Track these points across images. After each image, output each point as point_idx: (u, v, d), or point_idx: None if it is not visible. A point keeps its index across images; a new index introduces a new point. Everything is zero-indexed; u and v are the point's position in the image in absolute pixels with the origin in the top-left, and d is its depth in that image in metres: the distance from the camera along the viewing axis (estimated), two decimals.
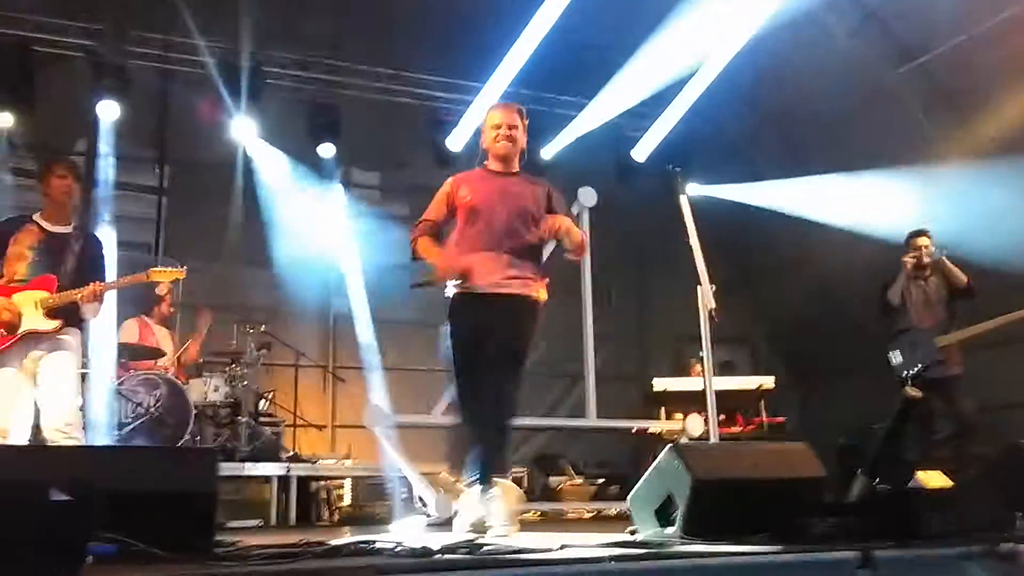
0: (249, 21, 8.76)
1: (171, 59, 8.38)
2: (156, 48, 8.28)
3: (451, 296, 4.16)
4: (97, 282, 4.66)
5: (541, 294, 4.26)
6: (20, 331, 4.56)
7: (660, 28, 7.74)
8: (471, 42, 8.09)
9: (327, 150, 8.72)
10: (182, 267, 4.96)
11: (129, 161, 8.69)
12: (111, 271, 5.24)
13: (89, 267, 4.80)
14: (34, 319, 4.60)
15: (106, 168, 7.90)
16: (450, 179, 4.40)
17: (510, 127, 4.32)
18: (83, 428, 5.03)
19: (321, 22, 8.97)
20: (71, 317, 4.71)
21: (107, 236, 6.96)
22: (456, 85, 8.75)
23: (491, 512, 3.81)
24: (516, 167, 4.39)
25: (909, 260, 6.38)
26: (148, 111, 8.78)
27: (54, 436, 4.50)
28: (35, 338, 4.61)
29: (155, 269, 4.98)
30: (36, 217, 4.83)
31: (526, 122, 4.42)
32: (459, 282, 4.09)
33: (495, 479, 3.93)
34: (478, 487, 3.91)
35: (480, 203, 4.20)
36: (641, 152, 9.42)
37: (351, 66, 8.76)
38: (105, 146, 7.96)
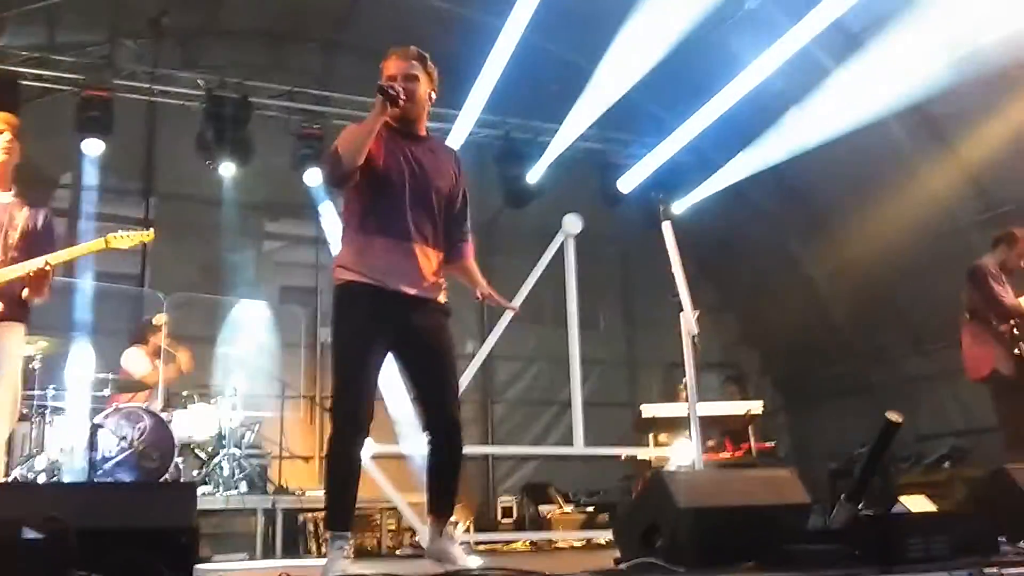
0: (236, 54, 8.89)
1: (157, 92, 8.41)
2: (143, 81, 8.31)
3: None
4: (48, 255, 3.87)
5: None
6: None
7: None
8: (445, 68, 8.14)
9: (313, 178, 8.73)
10: (148, 230, 4.31)
11: (115, 193, 8.71)
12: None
13: (38, 240, 4.02)
14: None
15: (91, 200, 7.88)
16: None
17: (406, 78, 3.53)
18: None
19: (307, 55, 9.08)
20: (14, 306, 3.92)
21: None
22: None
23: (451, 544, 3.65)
24: (423, 129, 3.69)
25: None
26: (134, 143, 8.80)
27: None
28: None
29: (114, 235, 4.17)
30: None
31: (433, 72, 3.64)
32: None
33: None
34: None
35: (386, 168, 3.50)
36: (626, 182, 9.44)
37: (337, 95, 8.80)
38: (91, 178, 7.96)
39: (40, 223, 4.07)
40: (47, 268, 3.84)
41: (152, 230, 4.31)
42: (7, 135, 4.05)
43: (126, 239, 4.20)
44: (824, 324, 9.58)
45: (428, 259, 3.56)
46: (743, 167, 8.64)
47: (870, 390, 9.25)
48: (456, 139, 8.44)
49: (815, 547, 3.07)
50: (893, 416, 3.54)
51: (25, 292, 3.90)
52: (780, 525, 3.35)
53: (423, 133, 3.69)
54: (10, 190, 4.09)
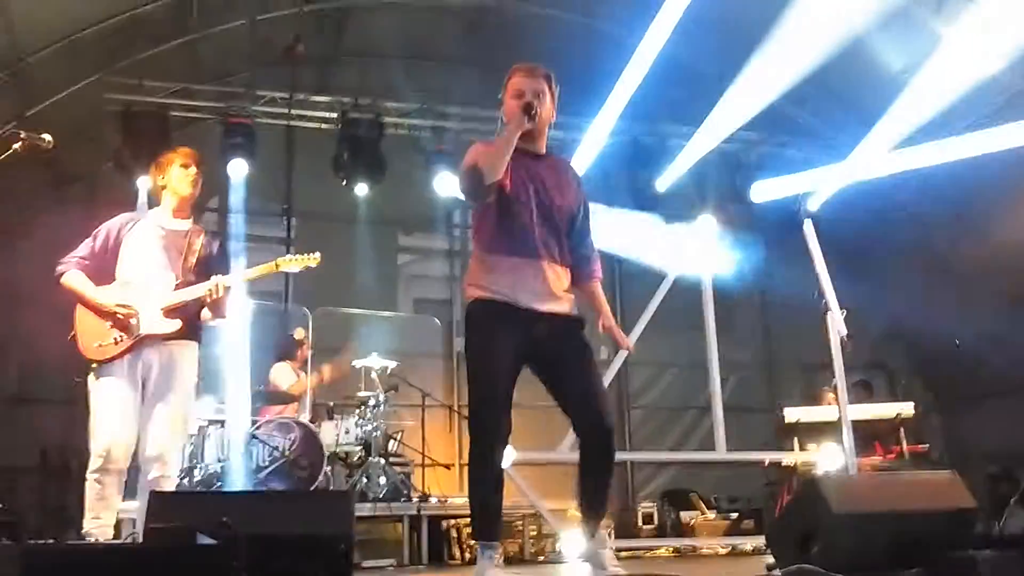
0: (366, 75, 9.18)
1: (294, 116, 8.77)
2: (281, 107, 8.68)
3: None
4: (221, 276, 4.18)
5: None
6: (143, 332, 4.08)
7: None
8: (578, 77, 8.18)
9: (444, 187, 8.90)
10: (315, 254, 4.51)
11: (258, 215, 9.10)
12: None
13: (212, 264, 4.31)
14: (152, 321, 4.11)
15: (238, 222, 8.28)
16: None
17: (535, 94, 3.56)
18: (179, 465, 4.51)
19: (434, 72, 9.30)
20: (190, 326, 4.21)
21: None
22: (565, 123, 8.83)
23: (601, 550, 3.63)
24: (543, 147, 3.72)
25: None
26: (275, 167, 9.18)
27: (147, 466, 4.06)
28: (153, 343, 4.11)
29: (283, 259, 4.48)
30: (152, 213, 4.41)
31: (556, 91, 3.66)
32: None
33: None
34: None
35: (513, 187, 3.52)
36: (762, 188, 9.24)
37: (462, 111, 8.95)
38: (236, 201, 8.37)
39: (215, 249, 4.40)
40: (225, 289, 4.16)
41: (319, 254, 4.52)
42: (194, 169, 4.35)
43: (295, 262, 4.49)
44: (975, 323, 9.09)
45: (557, 276, 3.59)
46: (885, 165, 8.33)
47: None
48: (589, 150, 8.48)
49: (988, 554, 2.92)
50: None
51: (205, 313, 4.23)
52: (944, 531, 3.20)
53: (543, 151, 3.72)
54: (189, 218, 4.42)
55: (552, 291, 3.55)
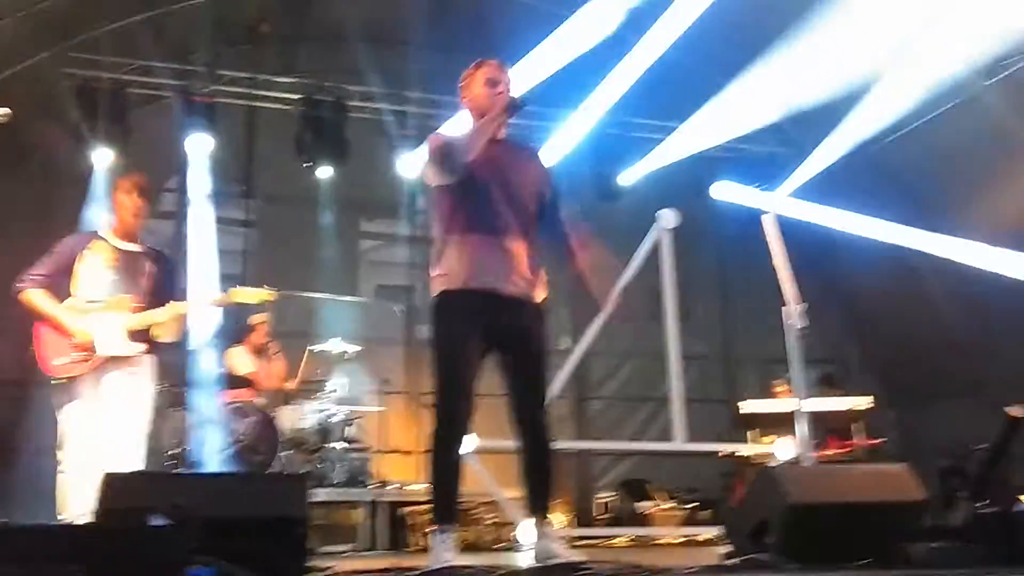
0: (330, 57, 9.07)
1: (257, 96, 8.65)
2: (243, 86, 8.56)
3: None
4: (176, 302, 4.48)
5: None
6: (101, 355, 4.29)
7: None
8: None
9: (407, 168, 8.87)
10: (268, 288, 4.79)
11: (217, 196, 8.97)
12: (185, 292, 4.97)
13: (164, 287, 4.56)
14: (116, 343, 4.33)
15: (198, 202, 8.16)
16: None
17: (508, 85, 3.72)
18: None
19: (398, 56, 9.21)
20: (151, 344, 4.48)
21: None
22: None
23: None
24: (502, 133, 3.80)
25: None
26: (235, 147, 9.06)
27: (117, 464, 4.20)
28: (114, 362, 4.34)
29: (237, 289, 4.79)
30: (103, 233, 4.57)
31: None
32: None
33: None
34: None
35: (474, 168, 3.58)
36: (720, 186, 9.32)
37: (426, 96, 8.89)
38: (194, 181, 8.24)
39: (167, 272, 4.66)
40: (182, 316, 4.51)
41: (274, 291, 4.86)
42: (137, 198, 4.54)
43: (248, 295, 4.79)
44: (933, 319, 9.23)
45: (524, 255, 3.60)
46: (836, 150, 8.41)
47: (982, 387, 8.89)
48: (562, 143, 8.49)
49: (936, 545, 2.98)
50: (1015, 411, 3.40)
51: (159, 334, 4.50)
52: (895, 522, 3.26)
53: (502, 136, 3.77)
54: (138, 241, 4.61)
55: (519, 270, 3.58)
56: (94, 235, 4.58)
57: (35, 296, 4.35)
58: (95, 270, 4.42)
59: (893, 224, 8.49)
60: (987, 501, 3.43)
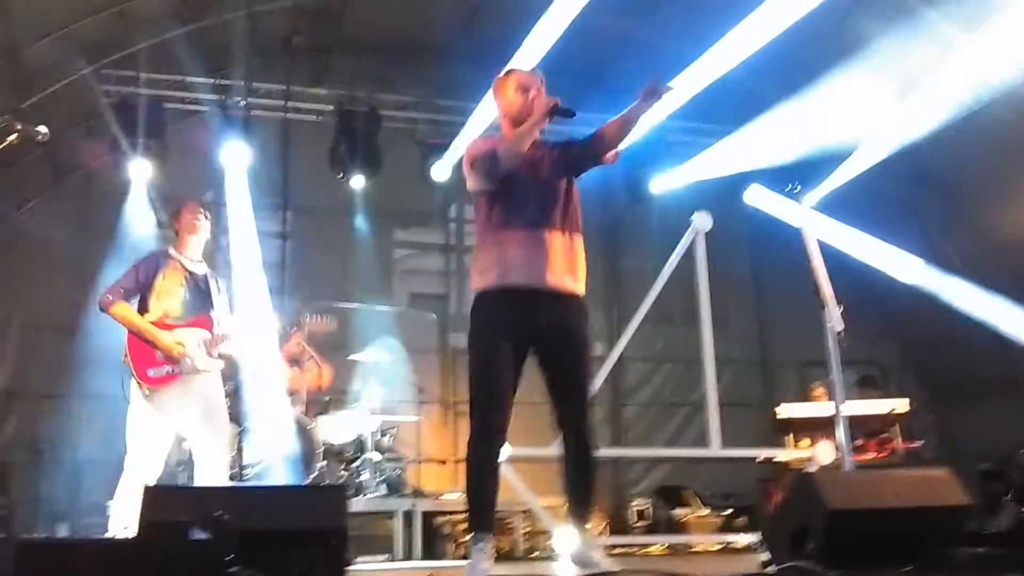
0: (362, 68, 9.14)
1: (290, 109, 8.74)
2: (277, 98, 8.65)
3: None
4: (244, 319, 5.03)
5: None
6: (187, 369, 4.66)
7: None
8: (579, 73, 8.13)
9: (440, 174, 8.94)
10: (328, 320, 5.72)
11: (253, 208, 9.06)
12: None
13: (229, 304, 5.04)
14: (199, 358, 4.72)
15: (238, 214, 8.26)
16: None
17: (540, 89, 3.83)
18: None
19: (430, 65, 9.27)
20: (221, 356, 4.89)
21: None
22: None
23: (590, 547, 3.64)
24: None
25: None
26: (270, 159, 9.15)
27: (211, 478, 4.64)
28: (199, 376, 4.71)
29: (306, 318, 5.69)
30: (172, 252, 4.91)
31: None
32: None
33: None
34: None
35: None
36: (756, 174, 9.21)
37: (460, 104, 8.93)
38: (233, 194, 8.34)
39: (226, 293, 5.09)
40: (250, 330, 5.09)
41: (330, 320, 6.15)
42: (202, 216, 4.95)
43: (316, 324, 6.03)
44: (969, 318, 9.09)
45: (562, 245, 3.64)
46: (874, 153, 8.30)
47: (1021, 387, 8.76)
48: None
49: (980, 550, 2.93)
50: None
51: (229, 349, 4.93)
52: (938, 527, 3.22)
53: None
54: (203, 261, 5.02)
55: (559, 263, 3.61)
56: (166, 254, 4.91)
57: (123, 309, 4.68)
58: (171, 288, 4.78)
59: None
60: None
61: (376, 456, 7.17)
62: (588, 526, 3.64)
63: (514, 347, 3.54)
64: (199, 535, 2.41)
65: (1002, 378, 8.95)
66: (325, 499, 3.14)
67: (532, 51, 7.10)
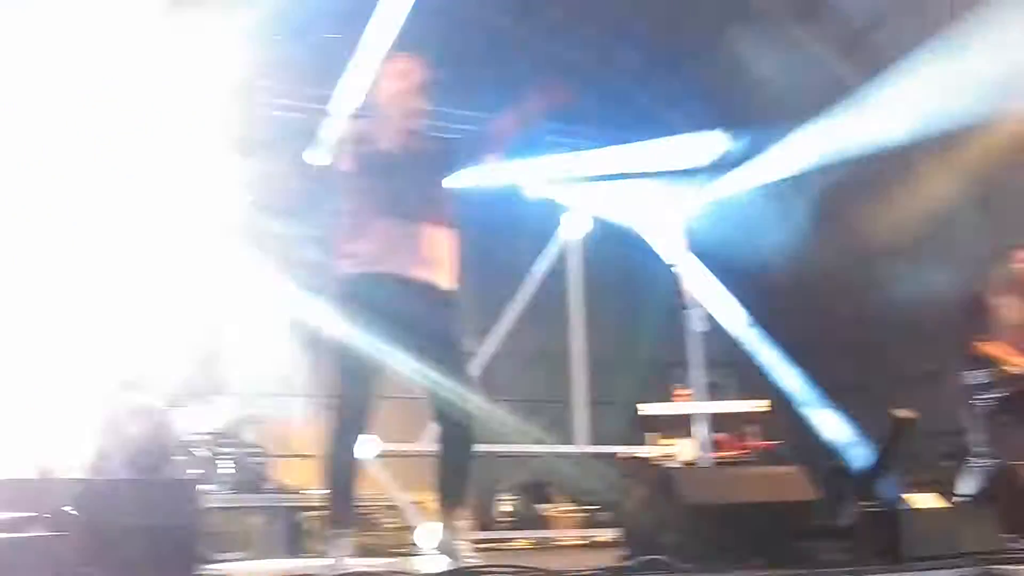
0: None
1: None
2: None
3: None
4: None
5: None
6: None
7: None
8: None
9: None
10: None
11: None
12: None
13: None
14: None
15: None
16: None
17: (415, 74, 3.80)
18: None
19: None
20: None
21: None
22: None
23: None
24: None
25: None
26: None
27: None
28: None
29: None
30: None
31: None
32: None
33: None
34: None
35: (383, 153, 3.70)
36: None
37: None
38: None
39: None
40: None
41: None
42: None
43: None
44: (824, 323, 9.54)
45: (433, 238, 3.59)
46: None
47: (869, 388, 9.24)
48: None
49: (825, 544, 3.07)
50: (902, 413, 3.54)
51: None
52: (788, 522, 3.35)
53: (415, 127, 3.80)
54: None
55: (429, 256, 3.56)
56: None
57: None
58: None
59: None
60: (873, 501, 3.55)
61: (236, 449, 6.97)
62: (455, 521, 3.62)
63: (379, 338, 3.48)
64: (41, 530, 2.28)
65: (852, 380, 9.42)
66: (178, 494, 3.02)
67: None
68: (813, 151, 7.93)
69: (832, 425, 9.27)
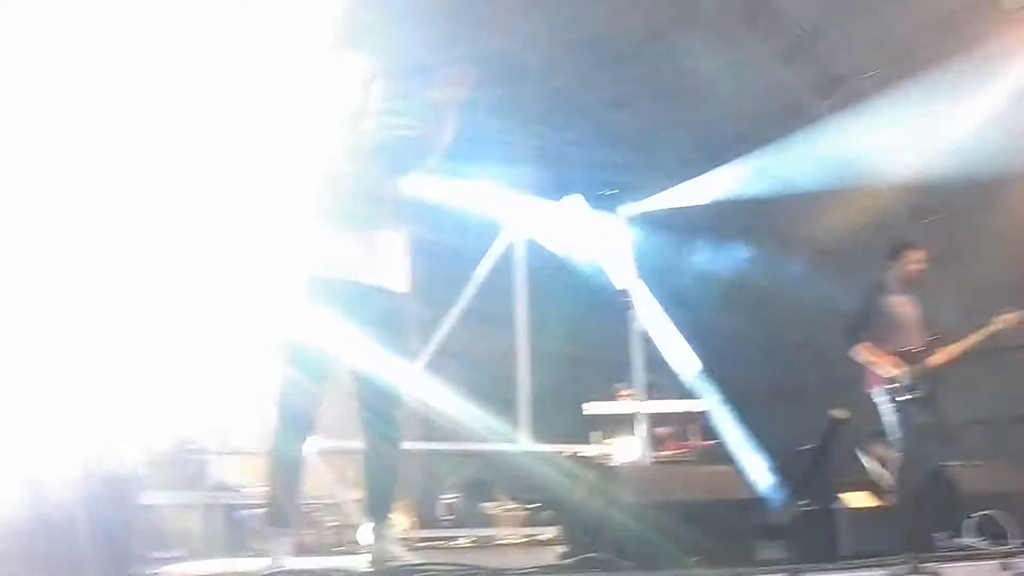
0: None
1: None
2: None
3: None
4: None
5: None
6: None
7: None
8: None
9: None
10: None
11: None
12: None
13: None
14: None
15: None
16: None
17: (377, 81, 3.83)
18: None
19: None
20: None
21: None
22: None
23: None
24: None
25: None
26: None
27: None
28: None
29: None
30: None
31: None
32: None
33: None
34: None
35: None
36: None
37: None
38: None
39: None
40: None
41: None
42: None
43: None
44: (762, 327, 9.69)
45: (381, 241, 3.59)
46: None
47: (807, 390, 9.40)
48: None
49: (760, 542, 3.13)
50: (837, 413, 3.62)
51: None
52: (725, 520, 3.40)
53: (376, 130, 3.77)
54: None
55: (377, 258, 3.55)
56: None
57: None
58: None
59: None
60: (808, 500, 3.61)
61: (174, 445, 6.85)
62: (388, 521, 3.61)
63: (325, 337, 3.47)
64: None
65: (790, 381, 9.58)
66: (116, 490, 2.96)
67: None
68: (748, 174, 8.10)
69: (771, 426, 9.44)
